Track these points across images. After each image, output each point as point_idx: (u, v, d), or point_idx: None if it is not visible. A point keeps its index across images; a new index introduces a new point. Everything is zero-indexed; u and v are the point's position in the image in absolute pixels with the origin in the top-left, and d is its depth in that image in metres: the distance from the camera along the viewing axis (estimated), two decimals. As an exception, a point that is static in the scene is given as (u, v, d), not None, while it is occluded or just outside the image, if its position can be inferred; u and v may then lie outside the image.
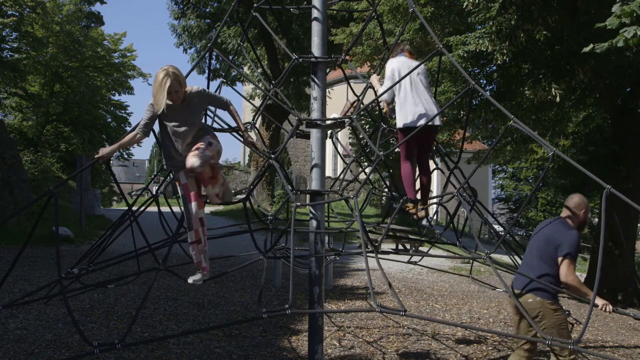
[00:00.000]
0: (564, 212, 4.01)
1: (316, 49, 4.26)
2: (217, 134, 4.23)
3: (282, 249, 5.16)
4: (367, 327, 6.20)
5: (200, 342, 5.16)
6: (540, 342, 3.77)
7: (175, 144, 3.72)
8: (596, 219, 20.43)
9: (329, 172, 31.38)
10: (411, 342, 5.69)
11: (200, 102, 3.74)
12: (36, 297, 4.83)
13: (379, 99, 4.73)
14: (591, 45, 5.68)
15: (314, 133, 4.23)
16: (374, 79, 4.93)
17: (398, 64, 4.71)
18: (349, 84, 5.31)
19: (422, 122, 4.47)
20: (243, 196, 4.62)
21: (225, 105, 3.97)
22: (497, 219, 5.87)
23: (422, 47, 10.57)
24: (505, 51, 7.99)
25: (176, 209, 4.87)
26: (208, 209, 19.61)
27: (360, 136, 7.30)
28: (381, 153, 3.86)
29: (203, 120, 4.83)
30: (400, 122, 4.60)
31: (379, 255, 3.81)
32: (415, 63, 4.70)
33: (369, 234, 4.97)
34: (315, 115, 4.21)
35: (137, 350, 4.78)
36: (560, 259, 3.75)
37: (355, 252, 5.67)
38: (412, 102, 4.58)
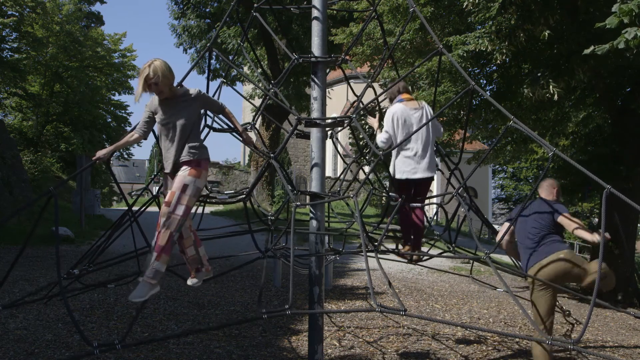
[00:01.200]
0: (541, 194, 4.54)
1: (316, 49, 4.25)
2: (217, 134, 4.21)
3: (282, 249, 5.15)
4: (367, 327, 6.21)
5: (200, 342, 5.16)
6: (542, 342, 3.76)
7: (161, 142, 3.66)
8: (596, 219, 20.42)
9: (329, 172, 31.39)
10: (411, 342, 5.69)
11: (193, 102, 3.65)
12: (36, 298, 4.83)
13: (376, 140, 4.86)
14: (592, 47, 5.67)
15: (314, 133, 4.23)
16: (372, 120, 5.01)
17: (398, 112, 4.78)
18: (348, 84, 5.30)
19: (416, 176, 4.72)
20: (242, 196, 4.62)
21: (221, 110, 3.92)
22: (487, 219, 5.83)
23: (422, 47, 10.57)
24: (504, 51, 7.99)
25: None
26: (208, 208, 19.59)
27: (360, 136, 7.29)
28: (380, 153, 3.86)
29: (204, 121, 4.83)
30: (396, 174, 4.78)
31: (379, 255, 3.80)
32: (415, 108, 4.80)
33: (369, 234, 4.97)
34: (315, 115, 4.21)
35: (137, 350, 4.78)
36: (560, 219, 4.16)
37: (355, 251, 5.67)
38: (409, 157, 4.72)
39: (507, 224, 4.53)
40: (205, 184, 3.80)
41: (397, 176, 4.83)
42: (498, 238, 4.49)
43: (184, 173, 3.57)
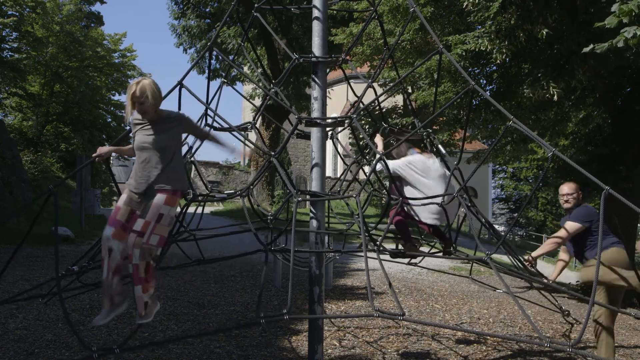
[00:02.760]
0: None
1: (317, 48, 4.25)
2: (217, 133, 4.18)
3: (282, 250, 5.15)
4: (367, 327, 6.21)
5: (200, 342, 5.16)
6: (539, 345, 3.76)
7: (137, 162, 3.51)
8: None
9: (329, 172, 31.39)
10: (411, 342, 5.69)
11: (176, 126, 3.50)
12: (33, 295, 4.82)
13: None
14: (591, 46, 5.68)
15: (314, 133, 4.22)
16: (379, 139, 5.08)
17: (417, 160, 4.90)
18: (349, 84, 5.30)
19: (433, 221, 4.90)
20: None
21: (205, 135, 3.84)
22: (489, 222, 5.83)
23: (422, 47, 10.59)
24: (504, 50, 7.99)
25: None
26: (208, 208, 19.57)
27: (360, 136, 7.27)
28: (381, 152, 3.85)
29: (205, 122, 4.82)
30: (419, 216, 4.89)
31: (380, 255, 3.79)
32: (430, 159, 4.90)
33: (370, 233, 4.97)
34: (315, 115, 4.20)
35: (137, 350, 4.77)
36: None
37: (356, 251, 5.64)
38: (427, 206, 4.84)
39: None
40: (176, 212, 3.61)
41: (423, 219, 4.93)
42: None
43: (160, 202, 3.42)
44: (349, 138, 19.38)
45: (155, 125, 3.46)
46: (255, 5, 4.80)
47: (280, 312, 3.11)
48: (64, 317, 3.11)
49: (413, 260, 5.79)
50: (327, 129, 4.76)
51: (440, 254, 5.24)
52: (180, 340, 5.18)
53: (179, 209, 3.59)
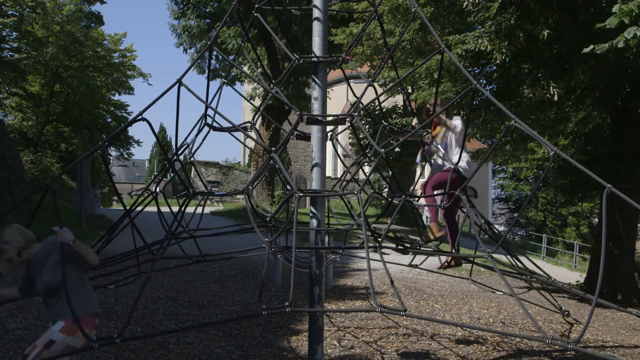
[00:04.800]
0: None
1: (317, 49, 4.24)
2: (216, 133, 4.17)
3: (283, 250, 5.15)
4: (367, 327, 6.20)
5: (200, 342, 5.16)
6: (541, 341, 3.77)
7: None
8: (596, 219, 20.40)
9: (329, 172, 31.39)
10: (411, 342, 5.69)
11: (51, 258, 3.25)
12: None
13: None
14: (591, 46, 5.68)
15: (314, 133, 4.22)
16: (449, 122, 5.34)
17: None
18: (348, 84, 5.29)
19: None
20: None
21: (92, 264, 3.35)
22: (489, 222, 5.82)
23: (422, 47, 10.58)
24: (504, 51, 7.99)
25: (175, 207, 4.88)
26: (208, 209, 19.58)
27: (361, 135, 7.24)
28: (383, 151, 3.84)
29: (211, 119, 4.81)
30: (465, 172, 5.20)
31: (381, 251, 3.79)
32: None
33: (371, 230, 4.97)
34: (315, 116, 4.19)
35: (137, 351, 4.77)
36: None
37: (357, 247, 5.61)
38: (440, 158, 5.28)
39: None
40: (84, 342, 3.21)
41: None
42: None
43: (56, 328, 3.19)
44: (349, 138, 19.39)
45: (35, 267, 3.26)
46: (256, 5, 4.79)
47: (282, 305, 3.11)
48: (68, 304, 3.08)
49: (414, 262, 5.80)
50: (327, 129, 4.75)
51: (441, 253, 5.24)
52: (180, 332, 5.17)
53: (80, 341, 3.20)
